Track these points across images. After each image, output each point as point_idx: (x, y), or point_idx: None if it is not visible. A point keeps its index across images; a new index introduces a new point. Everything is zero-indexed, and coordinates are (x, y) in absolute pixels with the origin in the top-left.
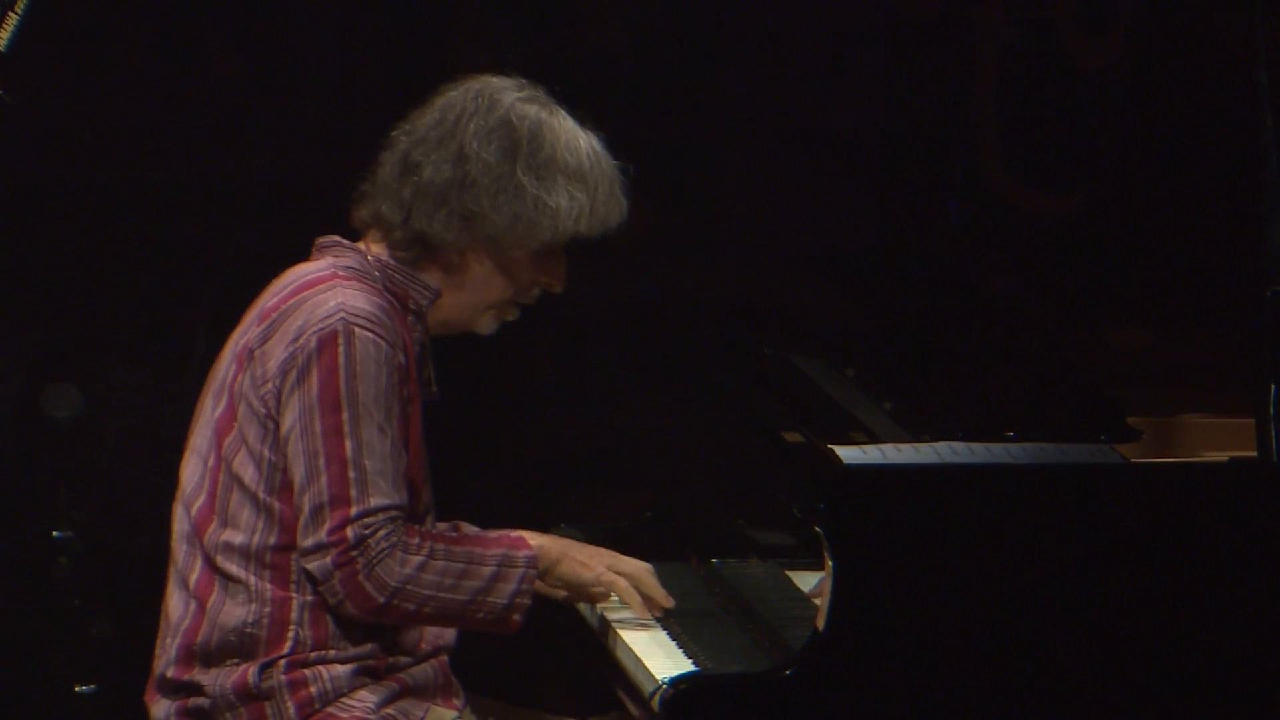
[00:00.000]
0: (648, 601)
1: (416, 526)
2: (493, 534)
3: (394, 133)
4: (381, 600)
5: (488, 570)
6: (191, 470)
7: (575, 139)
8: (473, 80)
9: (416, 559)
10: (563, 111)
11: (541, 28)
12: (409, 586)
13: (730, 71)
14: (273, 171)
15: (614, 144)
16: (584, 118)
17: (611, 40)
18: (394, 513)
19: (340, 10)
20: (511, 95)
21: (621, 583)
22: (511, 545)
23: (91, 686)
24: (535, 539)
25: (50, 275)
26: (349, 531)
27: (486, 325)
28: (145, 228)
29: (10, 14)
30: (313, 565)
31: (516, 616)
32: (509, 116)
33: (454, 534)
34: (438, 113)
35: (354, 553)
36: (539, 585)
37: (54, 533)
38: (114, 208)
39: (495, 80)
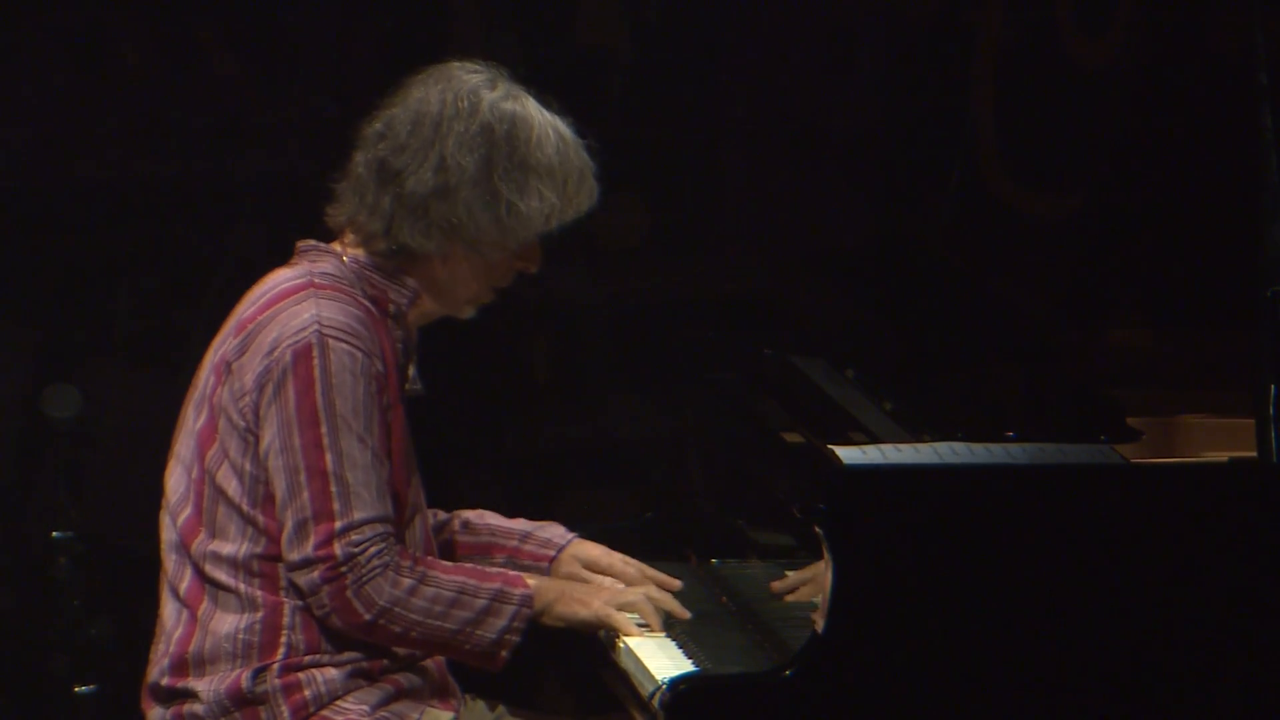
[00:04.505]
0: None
1: (410, 550)
2: (491, 569)
3: (366, 130)
4: (368, 618)
5: (480, 603)
6: (176, 480)
7: (545, 133)
8: (441, 74)
9: (408, 581)
10: (531, 100)
11: (539, 27)
12: (397, 609)
13: (728, 71)
14: (272, 171)
15: (612, 144)
16: (555, 107)
17: (609, 39)
18: (379, 526)
19: (338, 10)
20: (488, 95)
21: (618, 617)
22: (508, 582)
23: (91, 687)
24: (534, 579)
25: (50, 275)
26: (336, 547)
27: (467, 312)
28: (145, 228)
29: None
30: (300, 580)
31: (504, 653)
32: (489, 119)
33: (448, 563)
34: (412, 115)
35: (343, 569)
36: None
37: (54, 533)
38: (114, 208)
39: (466, 76)
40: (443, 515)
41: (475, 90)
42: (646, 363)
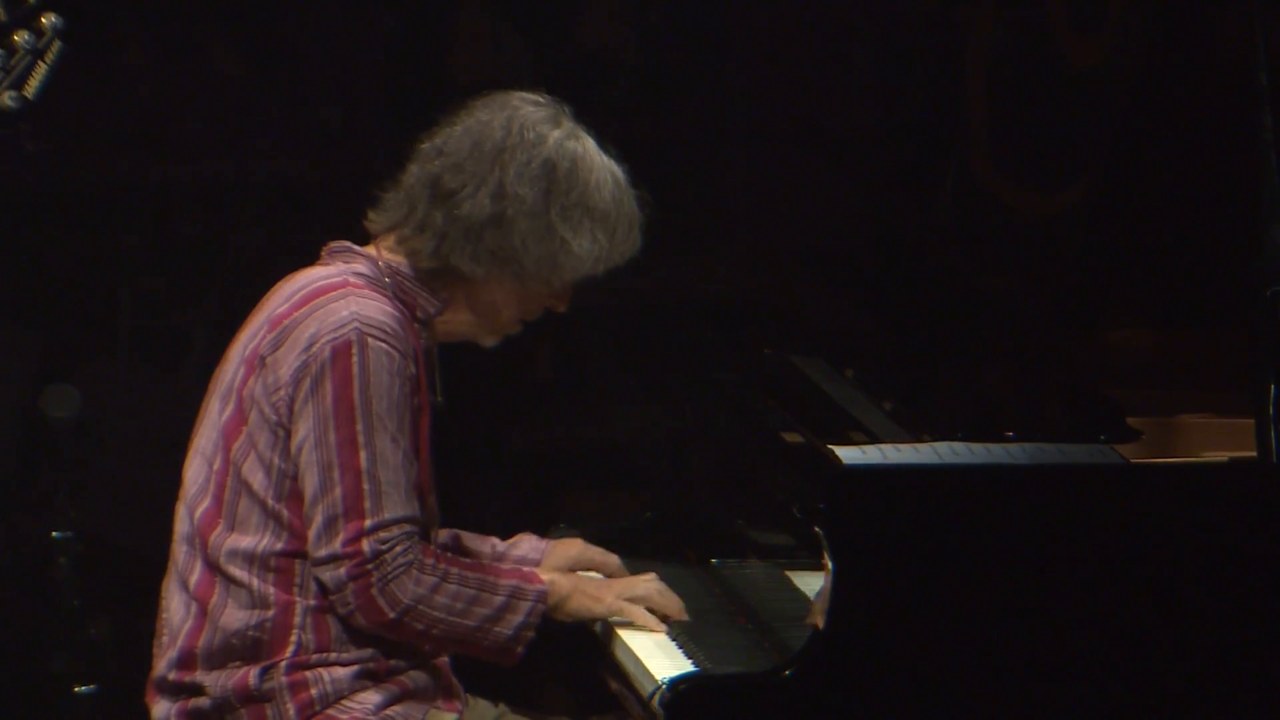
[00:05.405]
0: (665, 618)
1: (432, 548)
2: (506, 565)
3: (422, 145)
4: (393, 616)
5: (498, 599)
6: (195, 472)
7: (604, 177)
8: (504, 102)
9: (431, 579)
10: (591, 141)
11: (542, 27)
12: (420, 606)
13: (729, 70)
14: (274, 172)
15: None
16: (613, 153)
17: (611, 39)
18: (408, 526)
19: (343, 10)
20: (553, 131)
21: (634, 610)
22: (524, 578)
23: (91, 686)
24: (547, 574)
25: (50, 276)
26: (365, 544)
27: (491, 341)
28: (146, 228)
29: (40, 64)
30: (325, 576)
31: (519, 649)
32: (552, 156)
33: (467, 559)
34: (472, 137)
35: (369, 566)
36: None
37: (54, 533)
38: (114, 208)
39: (530, 109)
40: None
41: (539, 124)
42: (647, 363)
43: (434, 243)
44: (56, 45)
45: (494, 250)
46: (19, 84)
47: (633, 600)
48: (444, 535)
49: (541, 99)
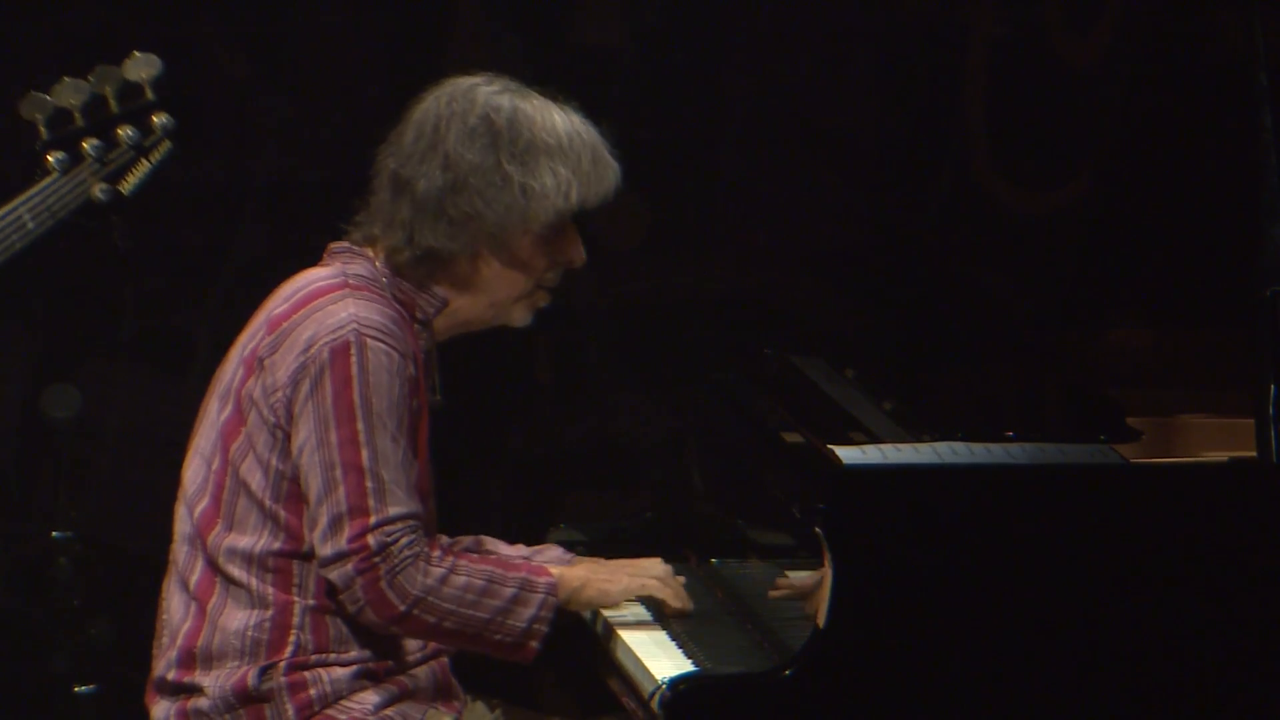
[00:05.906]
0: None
1: (439, 541)
2: (514, 560)
3: (379, 157)
4: (402, 608)
5: (509, 591)
6: (194, 472)
7: (550, 117)
8: (441, 86)
9: (439, 570)
10: (534, 94)
11: (540, 28)
12: (430, 598)
13: (727, 71)
14: (275, 173)
15: (613, 143)
16: (561, 100)
17: (610, 40)
18: (413, 522)
19: (343, 10)
20: (483, 90)
21: (653, 585)
22: (532, 572)
23: (91, 686)
24: (556, 568)
25: (50, 276)
26: (370, 539)
27: (519, 317)
28: (147, 229)
29: (143, 161)
30: (333, 574)
31: (534, 643)
32: (486, 112)
33: (475, 554)
34: (415, 126)
35: (376, 559)
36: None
37: (54, 533)
38: (115, 208)
39: (463, 80)
40: (445, 539)
41: (471, 88)
42: (647, 363)
43: (405, 232)
44: (165, 146)
45: (460, 218)
46: (115, 178)
47: (650, 578)
48: (467, 540)
49: (476, 74)
